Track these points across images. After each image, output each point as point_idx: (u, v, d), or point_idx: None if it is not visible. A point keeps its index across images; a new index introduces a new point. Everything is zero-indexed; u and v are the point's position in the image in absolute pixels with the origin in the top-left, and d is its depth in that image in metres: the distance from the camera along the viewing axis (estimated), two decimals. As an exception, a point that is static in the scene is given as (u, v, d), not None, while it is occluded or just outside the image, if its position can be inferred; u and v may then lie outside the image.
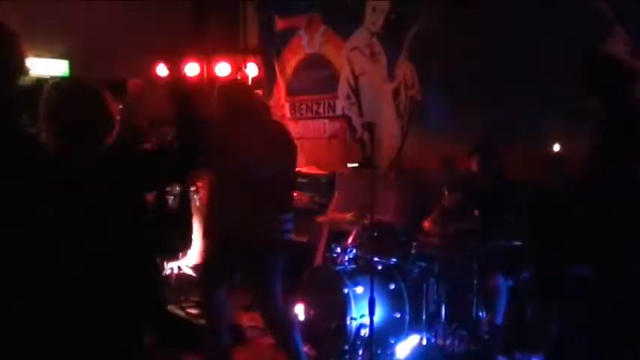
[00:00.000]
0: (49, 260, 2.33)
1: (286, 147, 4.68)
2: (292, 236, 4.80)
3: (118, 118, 2.76)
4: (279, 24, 8.67)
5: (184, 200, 2.90)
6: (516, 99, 5.97)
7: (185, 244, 2.93)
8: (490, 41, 6.13)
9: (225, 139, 4.50)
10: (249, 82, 8.14)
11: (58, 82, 2.75)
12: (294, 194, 4.92)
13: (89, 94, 2.73)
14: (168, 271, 6.85)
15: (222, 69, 8.32)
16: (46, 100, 2.65)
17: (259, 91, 8.38)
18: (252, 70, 8.40)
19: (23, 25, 8.01)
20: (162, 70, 8.50)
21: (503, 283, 5.10)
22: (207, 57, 8.57)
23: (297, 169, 5.05)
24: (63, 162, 2.52)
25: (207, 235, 4.83)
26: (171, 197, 6.54)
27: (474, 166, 5.62)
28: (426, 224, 5.59)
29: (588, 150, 4.55)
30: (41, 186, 2.31)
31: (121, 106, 7.16)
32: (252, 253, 4.55)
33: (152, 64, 8.45)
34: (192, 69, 8.50)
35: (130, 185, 2.62)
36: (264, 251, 4.58)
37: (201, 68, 8.53)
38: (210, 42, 8.91)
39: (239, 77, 7.89)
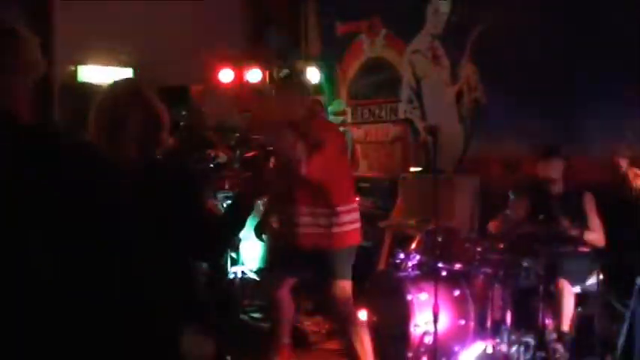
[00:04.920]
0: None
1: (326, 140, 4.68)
2: (357, 226, 4.81)
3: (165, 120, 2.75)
4: (341, 29, 8.67)
5: (234, 207, 2.85)
6: (583, 100, 5.84)
7: (220, 249, 2.92)
8: (555, 41, 6.02)
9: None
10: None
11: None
12: (350, 187, 4.95)
13: (126, 91, 2.74)
14: (231, 276, 6.91)
15: (284, 75, 8.34)
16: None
17: (320, 97, 8.39)
18: (313, 75, 8.40)
19: (88, 35, 8.24)
20: (225, 75, 8.58)
21: (569, 290, 4.99)
22: (268, 63, 8.62)
23: (345, 162, 5.09)
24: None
25: (271, 235, 4.95)
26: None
27: (540, 170, 5.51)
28: (491, 228, 5.51)
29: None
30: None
31: (184, 113, 7.29)
32: (318, 250, 4.64)
33: (215, 70, 8.53)
34: (254, 75, 8.56)
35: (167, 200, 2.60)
36: (329, 247, 4.64)
37: (263, 74, 8.58)
38: (272, 48, 8.96)
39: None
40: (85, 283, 2.21)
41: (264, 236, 5.16)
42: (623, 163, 4.90)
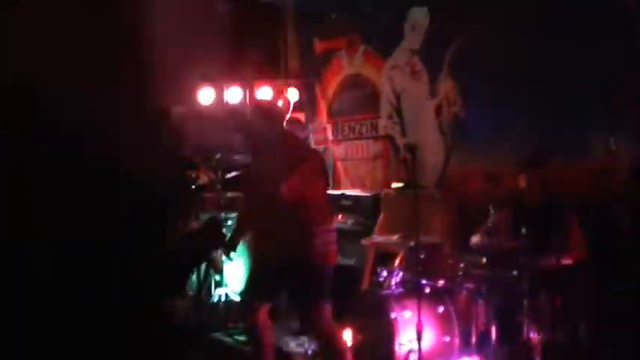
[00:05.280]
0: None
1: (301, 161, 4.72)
2: (334, 248, 4.81)
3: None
4: (319, 46, 8.68)
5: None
6: (561, 112, 5.86)
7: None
8: (535, 55, 6.03)
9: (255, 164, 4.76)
10: (290, 106, 8.19)
11: None
12: (328, 208, 4.95)
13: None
14: (215, 298, 6.86)
15: (264, 94, 8.33)
16: None
17: (300, 115, 8.39)
18: (293, 94, 8.39)
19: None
20: (204, 95, 8.53)
21: (552, 302, 4.98)
22: (248, 82, 8.59)
23: (325, 183, 5.12)
24: None
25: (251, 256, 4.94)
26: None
27: (521, 183, 5.50)
28: (473, 242, 5.49)
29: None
30: None
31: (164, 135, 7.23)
32: (297, 273, 4.63)
33: (194, 91, 8.48)
34: (234, 94, 8.53)
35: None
36: (309, 269, 4.64)
37: (244, 93, 8.55)
38: (251, 67, 8.94)
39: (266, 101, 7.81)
40: (84, 283, 2.20)
41: (232, 255, 5.15)
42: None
